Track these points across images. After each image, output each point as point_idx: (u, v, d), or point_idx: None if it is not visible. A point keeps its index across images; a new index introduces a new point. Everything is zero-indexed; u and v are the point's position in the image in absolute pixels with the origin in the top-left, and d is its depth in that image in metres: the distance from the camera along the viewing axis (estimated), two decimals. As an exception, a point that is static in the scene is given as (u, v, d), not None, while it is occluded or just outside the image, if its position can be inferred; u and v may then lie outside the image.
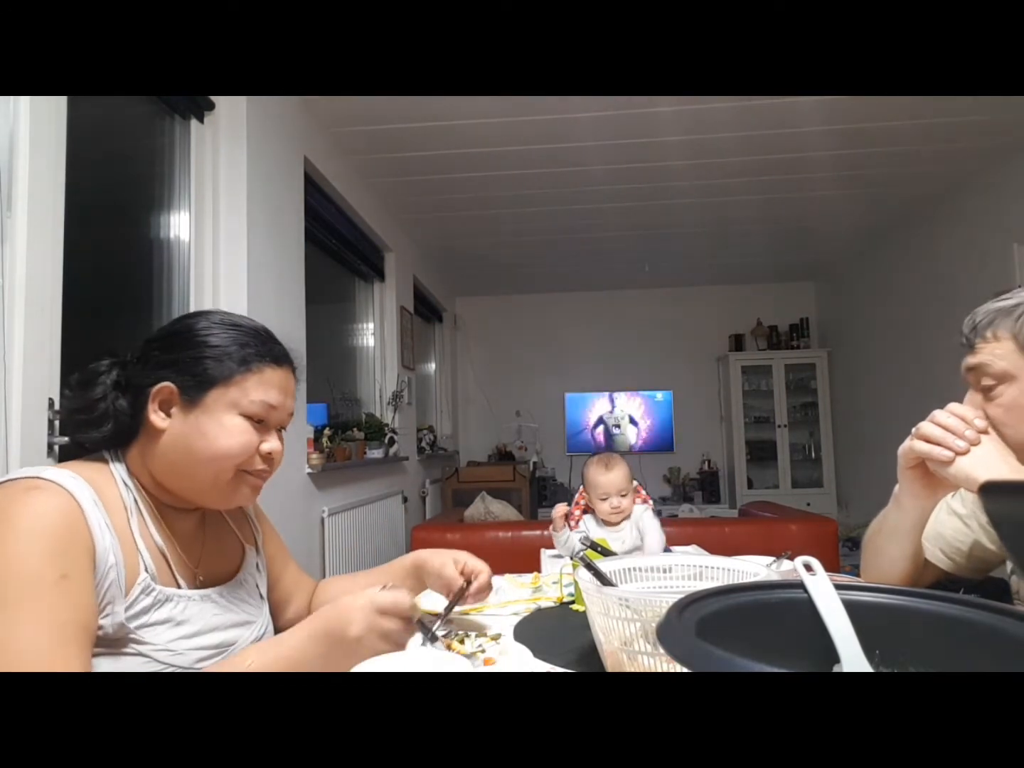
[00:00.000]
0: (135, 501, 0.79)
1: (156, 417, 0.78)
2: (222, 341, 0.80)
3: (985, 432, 0.82)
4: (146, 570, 0.76)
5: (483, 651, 0.86)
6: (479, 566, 1.01)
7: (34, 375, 1.32)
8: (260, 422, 0.81)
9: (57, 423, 1.38)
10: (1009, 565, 0.94)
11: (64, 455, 1.40)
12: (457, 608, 1.10)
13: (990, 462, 0.79)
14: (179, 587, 0.81)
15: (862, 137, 3.07)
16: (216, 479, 0.80)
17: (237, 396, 0.79)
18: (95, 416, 0.79)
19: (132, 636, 0.73)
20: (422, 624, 0.86)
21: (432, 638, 0.86)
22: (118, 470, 0.80)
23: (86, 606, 0.68)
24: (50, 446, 1.37)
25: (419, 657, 0.79)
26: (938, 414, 0.85)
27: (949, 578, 1.05)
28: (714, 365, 5.96)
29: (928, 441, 0.84)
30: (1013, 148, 3.23)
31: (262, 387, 0.81)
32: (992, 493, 0.70)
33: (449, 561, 1.01)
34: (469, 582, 0.99)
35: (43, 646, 0.62)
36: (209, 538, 0.90)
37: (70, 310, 1.43)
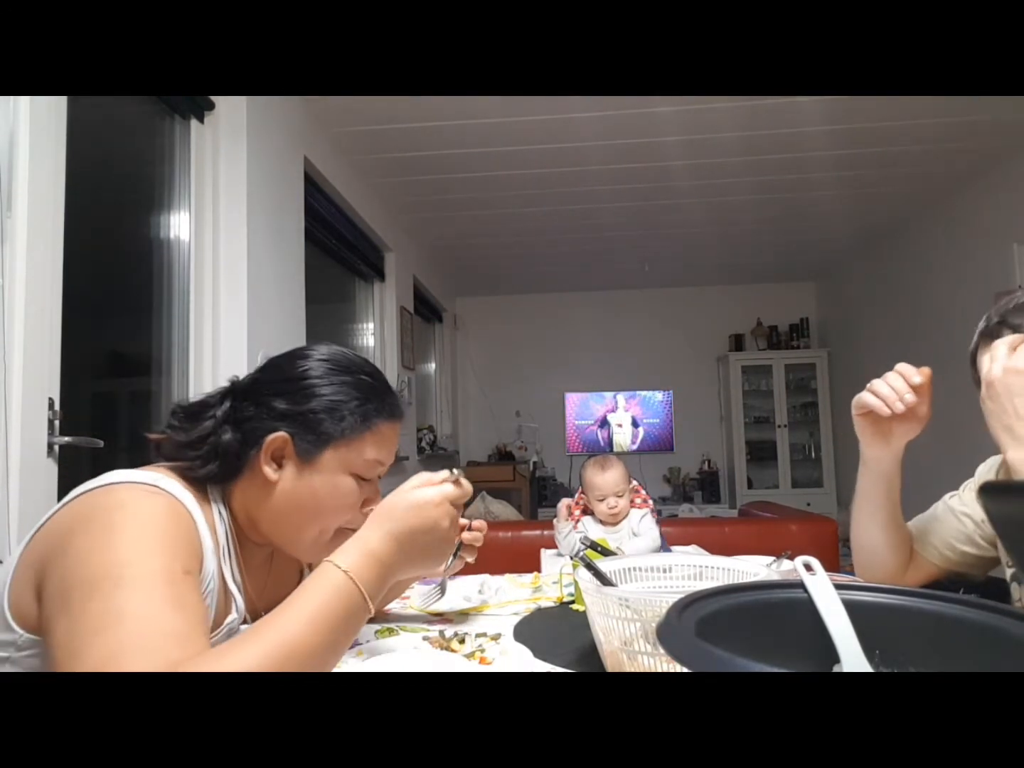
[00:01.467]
0: (226, 537, 0.77)
1: (268, 469, 0.76)
2: (343, 395, 0.77)
3: (918, 392, 0.90)
4: (236, 611, 0.75)
5: (483, 651, 0.87)
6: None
7: (34, 375, 1.32)
8: (367, 479, 0.80)
9: (57, 423, 1.38)
10: (1008, 572, 0.94)
11: (64, 455, 1.40)
12: (460, 606, 1.10)
13: None
14: (247, 622, 0.79)
15: (862, 137, 3.07)
16: (319, 537, 0.79)
17: (352, 456, 0.77)
18: (203, 452, 0.75)
19: None
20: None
21: (442, 589, 0.96)
22: (216, 502, 0.77)
23: (205, 604, 0.66)
24: (50, 446, 1.37)
25: (419, 657, 0.79)
26: (888, 376, 0.92)
27: (949, 578, 1.06)
28: (714, 365, 5.96)
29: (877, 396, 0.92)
30: (1013, 148, 3.23)
31: (377, 446, 0.79)
32: (992, 493, 0.70)
33: None
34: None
35: (174, 626, 0.58)
36: (274, 568, 0.89)
37: (70, 310, 1.43)
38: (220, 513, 0.77)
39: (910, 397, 0.89)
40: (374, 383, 0.82)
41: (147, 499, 0.66)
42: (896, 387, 0.90)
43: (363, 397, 0.79)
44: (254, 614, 0.82)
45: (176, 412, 0.79)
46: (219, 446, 0.75)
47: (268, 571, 0.87)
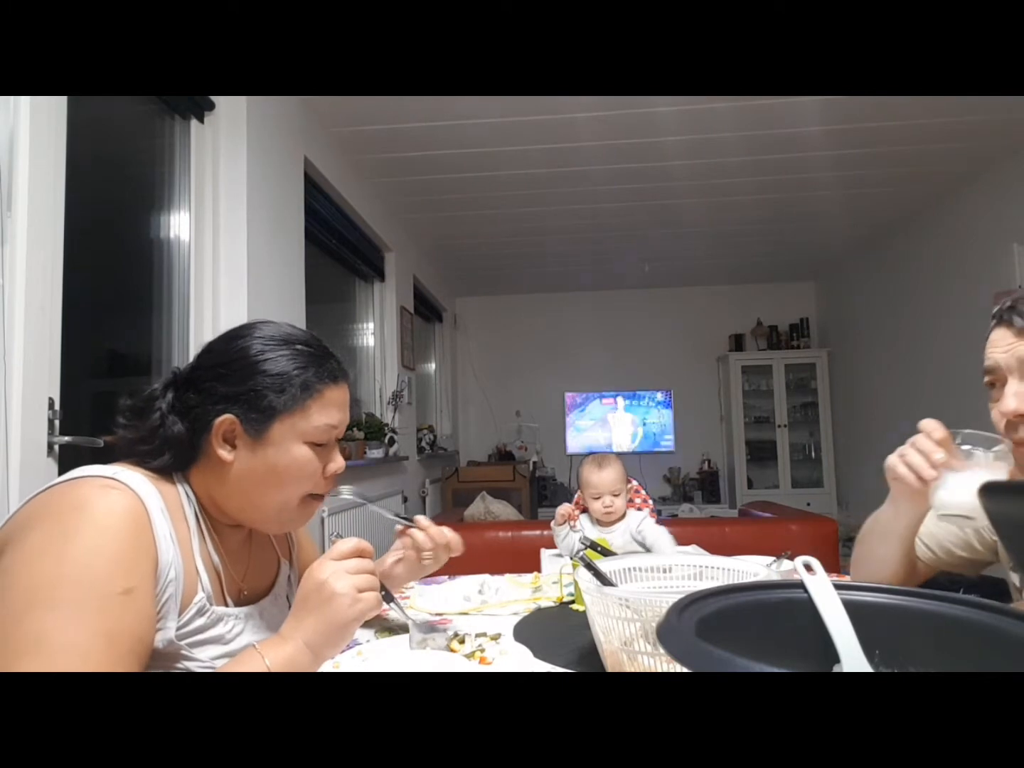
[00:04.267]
0: (196, 518, 0.79)
1: (223, 451, 0.77)
2: (282, 367, 0.78)
3: (942, 465, 0.85)
4: (203, 590, 0.76)
5: (483, 651, 0.87)
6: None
7: (34, 375, 1.32)
8: (322, 444, 0.81)
9: (57, 423, 1.38)
10: (1012, 575, 0.94)
11: (64, 455, 1.40)
12: (460, 606, 1.10)
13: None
14: (227, 605, 0.81)
15: (862, 137, 3.07)
16: (284, 507, 0.81)
17: (302, 425, 0.79)
18: (155, 445, 0.78)
19: (183, 652, 0.73)
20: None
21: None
22: (181, 484, 0.79)
23: (146, 619, 0.68)
24: (50, 446, 1.37)
25: (419, 657, 0.79)
26: (917, 438, 0.88)
27: (949, 578, 1.06)
28: (714, 365, 5.96)
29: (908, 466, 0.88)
30: (1013, 148, 3.23)
31: (324, 410, 0.80)
32: (992, 493, 0.70)
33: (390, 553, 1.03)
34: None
35: (98, 659, 0.61)
36: (254, 552, 0.90)
37: (70, 310, 1.43)
38: (187, 495, 0.79)
39: (939, 456, 0.85)
40: (312, 351, 0.82)
41: (104, 497, 0.68)
42: (925, 449, 0.86)
43: (302, 366, 0.80)
44: (237, 596, 0.84)
45: (123, 410, 0.81)
46: (169, 438, 0.77)
47: (248, 555, 0.89)
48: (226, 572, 0.82)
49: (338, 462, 0.84)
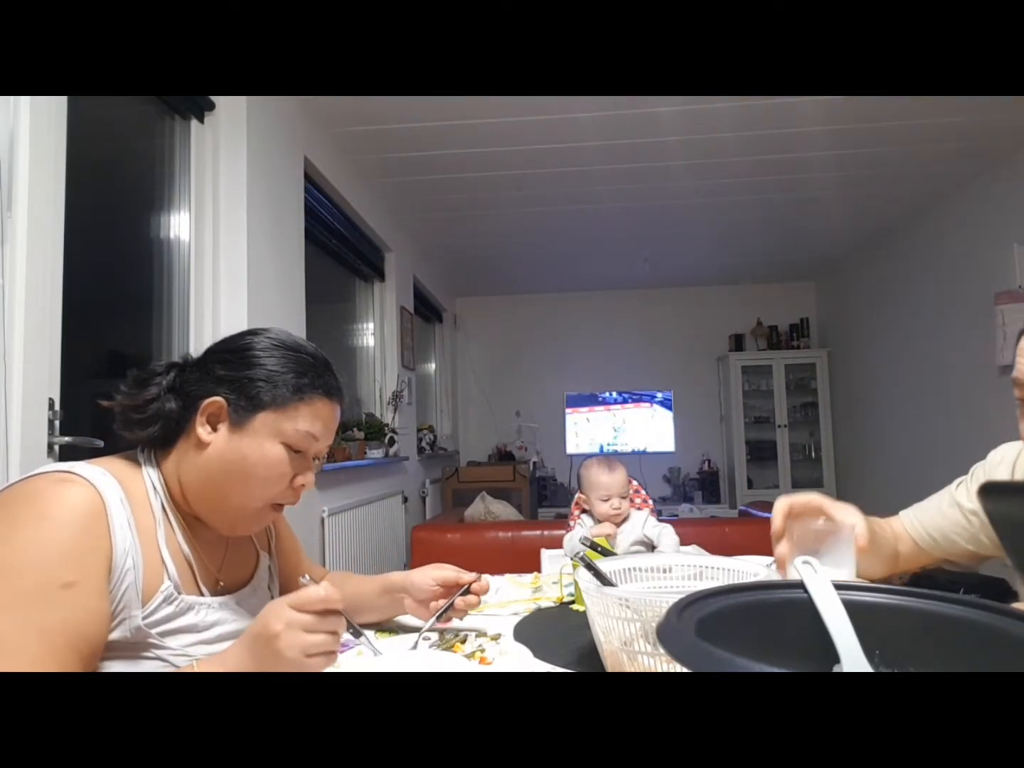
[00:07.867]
0: (163, 507, 0.79)
1: (202, 430, 0.79)
2: (281, 366, 0.81)
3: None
4: (169, 579, 0.76)
5: (483, 651, 0.87)
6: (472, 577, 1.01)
7: (34, 375, 1.32)
8: (298, 452, 0.82)
9: (57, 423, 1.38)
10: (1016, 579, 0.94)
11: (64, 455, 1.40)
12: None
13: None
14: (201, 594, 0.81)
15: (862, 137, 3.07)
16: (243, 508, 0.81)
17: (284, 424, 0.80)
18: (146, 416, 0.80)
19: (152, 641, 0.73)
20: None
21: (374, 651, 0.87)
22: (149, 474, 0.80)
23: (91, 614, 0.67)
24: (50, 446, 1.37)
25: (419, 657, 0.79)
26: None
27: (949, 578, 1.06)
28: (714, 365, 5.96)
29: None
30: (1013, 148, 3.23)
31: (310, 419, 0.81)
32: (992, 493, 0.71)
33: (430, 574, 1.01)
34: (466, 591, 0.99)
35: (32, 652, 0.62)
36: (231, 544, 0.90)
37: (70, 310, 1.43)
38: (154, 486, 0.80)
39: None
40: (315, 363, 0.84)
41: (57, 489, 0.69)
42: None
43: (301, 371, 0.82)
44: (214, 586, 0.84)
45: (128, 379, 0.83)
46: (161, 411, 0.80)
47: (225, 547, 0.89)
48: (199, 562, 0.82)
49: (308, 477, 0.84)
